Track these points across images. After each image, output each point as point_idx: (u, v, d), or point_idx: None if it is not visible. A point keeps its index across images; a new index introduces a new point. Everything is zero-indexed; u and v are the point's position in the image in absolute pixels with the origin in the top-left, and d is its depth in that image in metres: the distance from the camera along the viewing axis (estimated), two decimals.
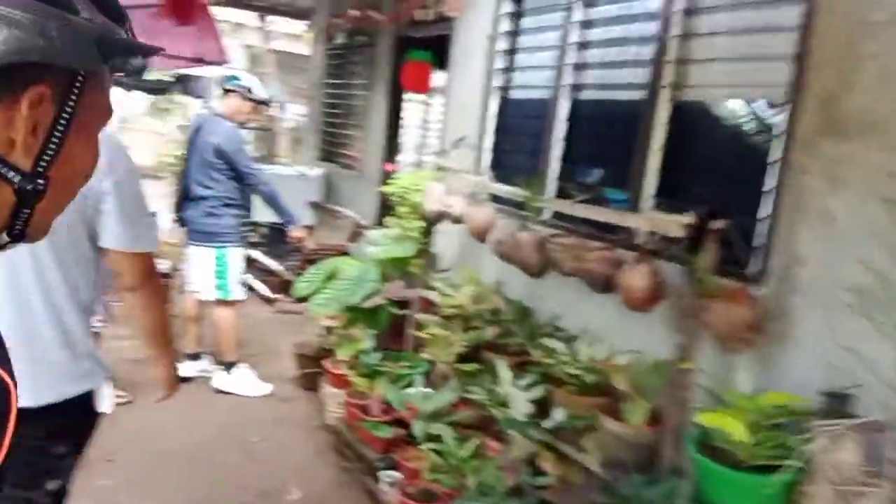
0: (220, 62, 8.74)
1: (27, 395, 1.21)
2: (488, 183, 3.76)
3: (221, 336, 4.04)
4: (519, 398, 2.75)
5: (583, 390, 2.66)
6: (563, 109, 3.45)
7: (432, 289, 3.65)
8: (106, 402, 1.76)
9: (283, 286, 5.88)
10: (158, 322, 1.85)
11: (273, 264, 5.96)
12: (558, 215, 3.33)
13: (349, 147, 6.91)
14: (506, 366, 2.98)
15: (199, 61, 6.45)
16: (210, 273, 3.96)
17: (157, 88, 6.12)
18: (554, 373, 2.82)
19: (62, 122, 0.66)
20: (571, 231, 3.09)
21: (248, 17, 10.15)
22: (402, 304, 3.80)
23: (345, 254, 5.92)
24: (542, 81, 3.63)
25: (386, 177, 6.32)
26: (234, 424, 3.74)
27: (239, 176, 3.94)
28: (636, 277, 2.47)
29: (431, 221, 3.80)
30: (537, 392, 2.76)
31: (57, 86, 0.65)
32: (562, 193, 3.36)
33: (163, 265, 6.12)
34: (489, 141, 4.06)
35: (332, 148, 7.31)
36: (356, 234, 6.30)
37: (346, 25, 6.58)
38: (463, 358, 3.26)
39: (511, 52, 3.91)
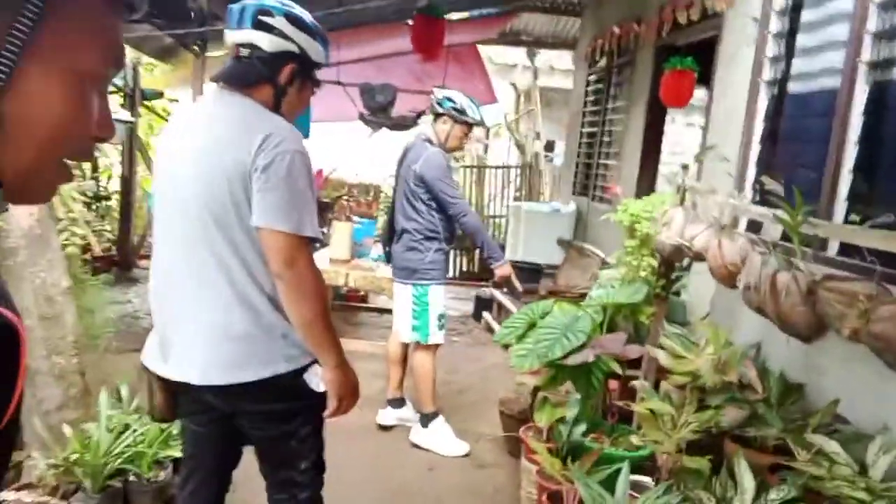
0: (489, 101, 8.71)
1: (225, 375, 1.64)
2: (749, 206, 2.78)
3: (418, 384, 3.58)
4: None
5: None
6: (858, 99, 2.37)
7: (663, 347, 2.77)
8: (318, 381, 1.75)
9: None
10: (307, 317, 1.67)
11: (511, 304, 5.44)
12: (846, 250, 2.25)
13: (604, 179, 6.17)
14: (749, 469, 2.01)
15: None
16: (408, 313, 3.54)
17: (401, 125, 6.04)
18: (823, 489, 1.80)
19: (14, 40, 0.58)
20: (864, 272, 2.02)
21: (519, 56, 10.01)
22: (624, 363, 2.96)
23: (582, 296, 5.20)
24: (830, 64, 2.58)
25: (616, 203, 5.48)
26: (416, 487, 3.21)
27: (440, 206, 3.50)
28: None
29: (666, 259, 2.92)
30: None
31: None
32: (853, 216, 2.27)
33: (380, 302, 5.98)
34: (754, 151, 3.06)
35: (587, 181, 6.63)
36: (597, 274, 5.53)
37: (606, 45, 5.92)
38: (691, 446, 2.34)
39: (788, 32, 2.90)
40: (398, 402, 3.75)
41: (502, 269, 3.74)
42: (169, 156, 1.76)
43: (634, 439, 2.50)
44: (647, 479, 2.58)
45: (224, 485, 1.96)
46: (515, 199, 8.60)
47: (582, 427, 2.74)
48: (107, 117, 0.67)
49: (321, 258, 4.36)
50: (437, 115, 3.62)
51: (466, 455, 3.45)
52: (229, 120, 1.68)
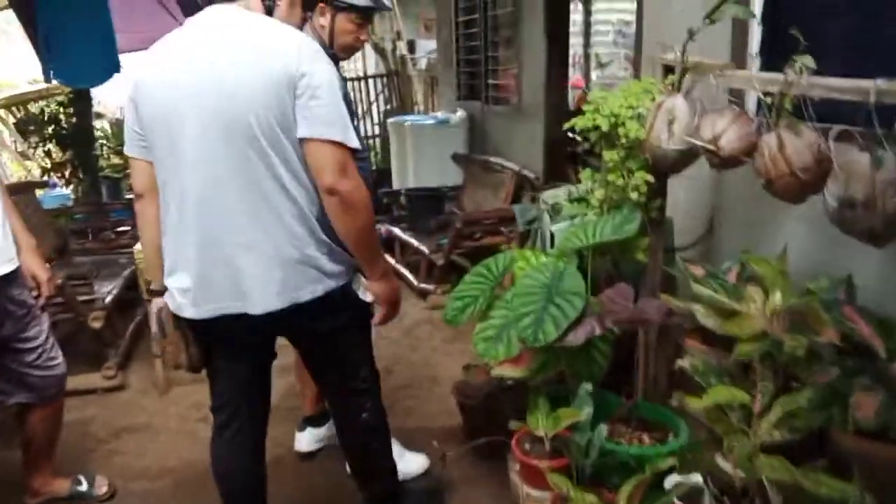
0: None
1: (281, 299, 1.66)
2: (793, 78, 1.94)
3: None
4: None
5: None
6: None
7: (685, 299, 1.96)
8: (365, 291, 1.82)
9: (434, 271, 4.41)
10: (360, 228, 1.68)
11: (417, 243, 4.50)
12: None
13: (497, 75, 5.23)
14: None
15: None
16: None
17: None
18: None
19: None
20: None
21: None
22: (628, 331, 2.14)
23: (508, 220, 4.36)
24: None
25: (559, 103, 4.61)
26: None
27: None
28: None
29: (667, 167, 2.07)
30: None
31: None
32: None
33: None
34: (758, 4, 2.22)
35: (474, 81, 5.66)
36: (519, 191, 4.68)
37: None
38: (777, 448, 1.57)
39: None
40: (318, 420, 2.74)
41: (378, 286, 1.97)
42: (170, 86, 1.61)
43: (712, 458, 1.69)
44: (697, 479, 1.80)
45: (266, 423, 1.96)
46: (387, 113, 7.48)
47: (603, 430, 1.91)
48: None
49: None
50: (308, 6, 2.45)
51: (426, 473, 2.54)
52: (256, 31, 1.62)
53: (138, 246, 2.92)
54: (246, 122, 1.55)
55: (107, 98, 8.22)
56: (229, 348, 1.82)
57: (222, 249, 1.64)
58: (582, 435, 1.90)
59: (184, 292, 1.71)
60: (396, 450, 2.30)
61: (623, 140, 2.14)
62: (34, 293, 2.23)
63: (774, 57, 2.14)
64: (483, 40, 5.24)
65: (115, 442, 2.90)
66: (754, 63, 2.31)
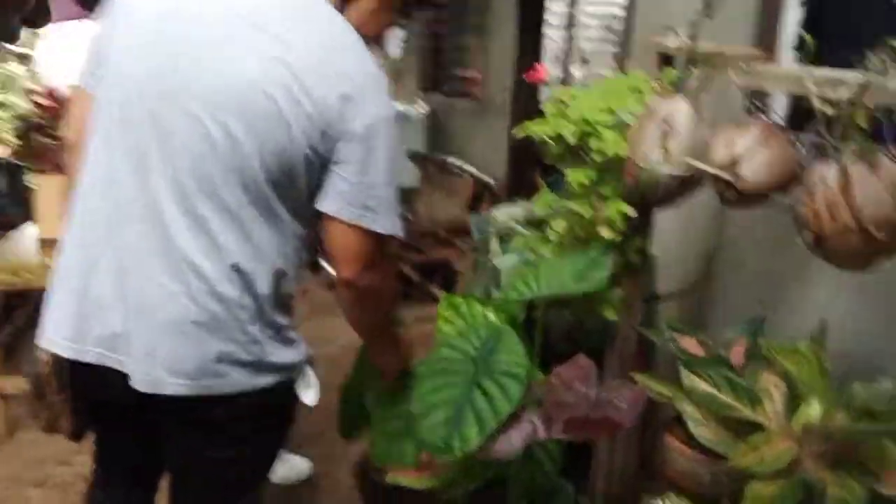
0: None
1: (196, 382, 1.09)
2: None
3: None
4: None
5: None
6: None
7: (670, 393, 1.34)
8: (309, 392, 1.31)
9: None
10: (378, 324, 1.30)
11: None
12: None
13: (463, 64, 4.59)
14: None
15: None
16: None
17: None
18: None
19: None
20: None
21: None
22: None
23: (462, 233, 3.75)
24: None
25: (529, 101, 3.98)
26: None
27: None
28: None
29: (657, 198, 1.45)
30: None
31: None
32: None
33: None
34: None
35: (439, 70, 5.02)
36: (478, 198, 4.05)
37: None
38: None
39: None
40: None
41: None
42: (154, 19, 1.10)
43: None
44: None
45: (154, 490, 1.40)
46: None
47: None
48: None
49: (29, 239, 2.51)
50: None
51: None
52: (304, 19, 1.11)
53: None
54: (235, 133, 1.07)
55: None
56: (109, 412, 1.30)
57: (126, 292, 1.14)
58: None
59: (67, 319, 1.16)
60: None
61: (596, 156, 1.51)
62: None
63: (823, 49, 1.53)
64: (450, 26, 4.60)
65: None
66: (784, 56, 1.70)
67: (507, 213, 2.44)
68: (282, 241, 1.14)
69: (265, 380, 1.16)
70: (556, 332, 1.75)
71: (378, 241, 1.15)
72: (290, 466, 2.29)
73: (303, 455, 2.34)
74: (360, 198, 1.11)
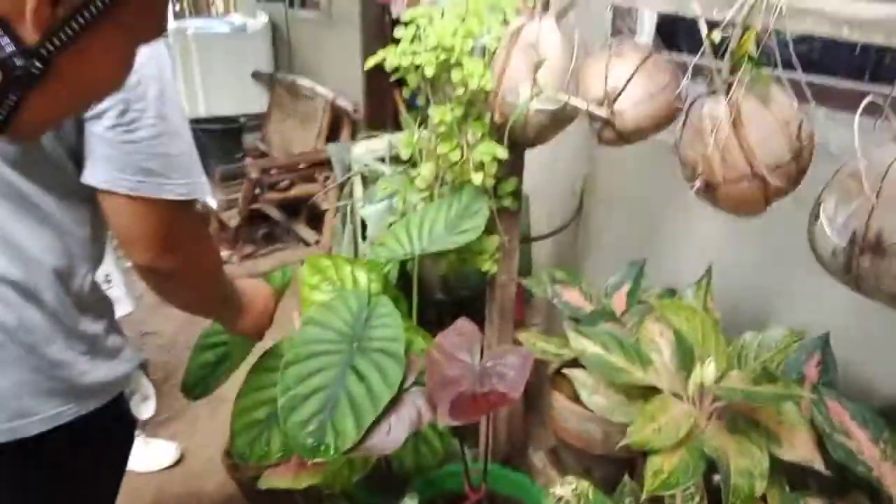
0: None
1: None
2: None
3: None
4: None
5: None
6: None
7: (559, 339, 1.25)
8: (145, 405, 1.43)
9: (228, 233, 3.45)
10: (203, 301, 1.10)
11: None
12: None
13: None
14: None
15: None
16: None
17: None
18: None
19: (96, 5, 0.55)
20: None
21: None
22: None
23: (320, 164, 3.46)
24: None
25: (375, 12, 3.64)
26: None
27: None
28: None
29: (529, 137, 1.30)
30: None
31: None
32: None
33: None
34: None
35: None
36: (336, 123, 3.74)
37: None
38: None
39: None
40: None
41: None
42: None
43: None
44: None
45: None
46: (175, 16, 6.07)
47: None
48: None
49: None
50: None
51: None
52: None
53: None
54: None
55: None
56: None
57: None
58: None
59: None
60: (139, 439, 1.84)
61: (460, 90, 1.32)
62: None
63: None
64: None
65: None
66: None
67: (368, 149, 2.22)
68: (54, 236, 0.87)
69: (84, 406, 0.93)
70: (431, 283, 1.60)
71: (175, 212, 0.91)
72: (154, 451, 2.08)
73: (167, 438, 2.13)
74: (134, 160, 0.85)
